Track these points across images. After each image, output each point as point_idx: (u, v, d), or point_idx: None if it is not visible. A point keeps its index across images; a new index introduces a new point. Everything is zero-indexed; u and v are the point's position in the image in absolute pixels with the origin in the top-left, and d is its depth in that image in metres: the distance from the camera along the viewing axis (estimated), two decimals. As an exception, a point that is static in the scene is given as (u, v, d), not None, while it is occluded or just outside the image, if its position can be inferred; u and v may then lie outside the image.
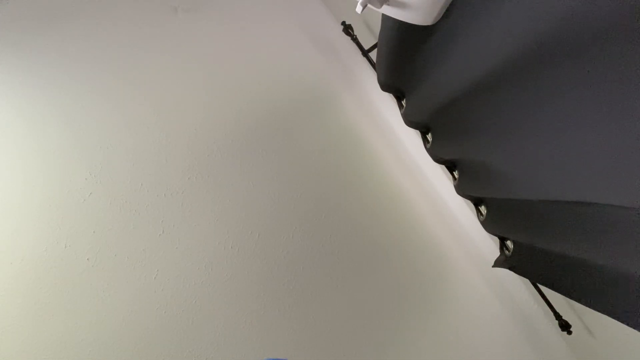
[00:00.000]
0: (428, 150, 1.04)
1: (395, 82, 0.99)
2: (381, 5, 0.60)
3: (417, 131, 1.08)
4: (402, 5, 0.59)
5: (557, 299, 1.06)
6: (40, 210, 0.87)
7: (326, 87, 1.20)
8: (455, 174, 1.02)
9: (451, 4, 0.58)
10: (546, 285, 0.84)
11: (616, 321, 0.61)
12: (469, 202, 1.10)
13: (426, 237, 1.14)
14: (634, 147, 0.40)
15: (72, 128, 0.94)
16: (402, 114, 1.07)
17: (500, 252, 1.02)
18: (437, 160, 1.05)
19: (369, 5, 0.59)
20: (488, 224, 0.98)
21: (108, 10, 1.05)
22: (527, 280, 1.12)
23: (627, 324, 0.59)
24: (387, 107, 1.19)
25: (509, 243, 0.97)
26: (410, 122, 1.04)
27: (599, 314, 0.65)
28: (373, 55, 1.15)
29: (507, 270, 0.98)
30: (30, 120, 0.92)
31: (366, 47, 1.18)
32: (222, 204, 0.99)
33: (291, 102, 1.15)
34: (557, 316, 1.06)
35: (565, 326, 1.05)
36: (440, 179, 1.19)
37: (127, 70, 1.02)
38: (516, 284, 1.15)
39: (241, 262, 0.97)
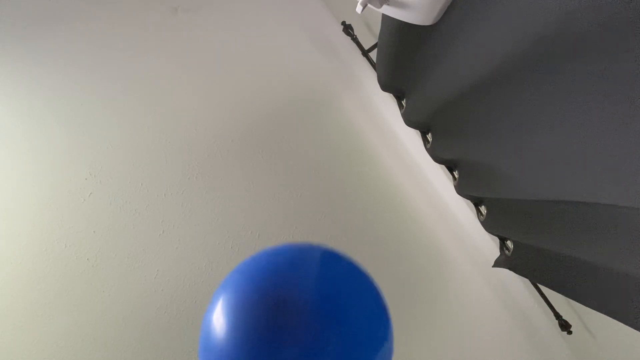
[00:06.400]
0: (428, 150, 1.04)
1: (395, 82, 0.99)
2: (381, 5, 0.60)
3: (417, 131, 1.08)
4: (402, 5, 0.59)
5: (557, 299, 1.06)
6: (40, 210, 0.87)
7: (326, 87, 1.20)
8: (455, 174, 1.02)
9: (451, 4, 0.58)
10: (546, 285, 0.84)
11: (616, 321, 0.61)
12: (469, 202, 1.10)
13: (426, 237, 1.14)
14: (636, 147, 0.40)
15: (72, 128, 0.94)
16: (402, 114, 1.07)
17: (500, 252, 1.03)
18: (437, 160, 1.05)
19: (369, 5, 0.59)
20: (488, 224, 0.98)
21: (108, 10, 1.05)
22: (527, 280, 1.12)
23: (627, 324, 0.59)
24: (387, 107, 1.19)
25: (509, 243, 0.97)
26: (410, 122, 1.04)
27: (599, 314, 0.65)
28: (373, 55, 1.15)
29: (507, 270, 0.98)
30: (30, 121, 0.92)
31: (366, 47, 1.18)
32: (222, 204, 0.99)
33: (291, 102, 1.15)
34: (557, 316, 1.06)
35: (565, 326, 1.05)
36: (440, 179, 1.19)
37: (127, 70, 1.02)
38: (516, 284, 1.15)
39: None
